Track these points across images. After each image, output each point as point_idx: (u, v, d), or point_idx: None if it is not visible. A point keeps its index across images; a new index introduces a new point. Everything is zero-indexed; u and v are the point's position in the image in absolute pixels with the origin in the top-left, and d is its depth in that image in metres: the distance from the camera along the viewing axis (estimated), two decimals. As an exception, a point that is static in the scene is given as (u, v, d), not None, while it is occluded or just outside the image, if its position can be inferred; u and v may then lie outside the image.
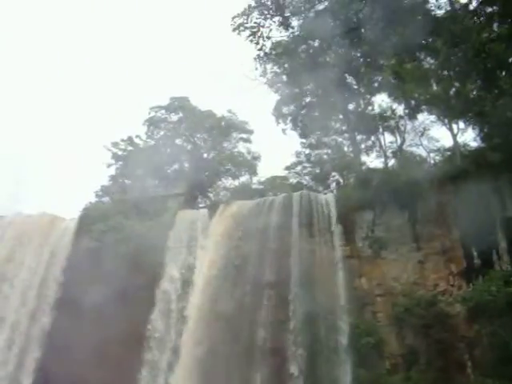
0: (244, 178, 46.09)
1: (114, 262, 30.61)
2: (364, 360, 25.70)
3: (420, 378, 24.54)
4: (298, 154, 44.95)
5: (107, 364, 27.75)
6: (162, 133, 46.52)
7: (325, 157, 44.14)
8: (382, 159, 39.34)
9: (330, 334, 26.62)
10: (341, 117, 40.68)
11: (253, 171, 45.90)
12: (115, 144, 45.57)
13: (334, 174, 42.27)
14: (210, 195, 44.57)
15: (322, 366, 26.01)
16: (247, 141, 46.86)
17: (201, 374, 27.01)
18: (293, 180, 44.51)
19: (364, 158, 40.08)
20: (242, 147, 46.88)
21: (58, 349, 28.99)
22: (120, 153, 45.55)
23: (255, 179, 46.01)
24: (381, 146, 39.46)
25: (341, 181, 41.46)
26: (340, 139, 43.23)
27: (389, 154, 39.20)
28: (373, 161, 40.17)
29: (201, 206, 40.60)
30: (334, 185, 41.90)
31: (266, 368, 26.29)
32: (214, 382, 26.54)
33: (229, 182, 46.05)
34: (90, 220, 34.32)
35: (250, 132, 46.75)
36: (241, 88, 41.50)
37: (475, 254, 26.19)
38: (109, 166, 45.51)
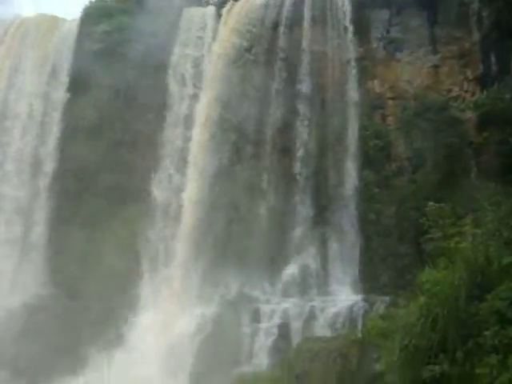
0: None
1: (120, 64, 30.07)
2: (371, 162, 26.27)
3: (425, 179, 25.11)
4: None
5: (120, 167, 28.94)
6: None
7: None
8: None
9: (339, 137, 26.86)
10: None
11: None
12: None
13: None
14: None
15: (329, 168, 26.73)
16: None
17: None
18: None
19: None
20: None
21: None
22: None
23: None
24: None
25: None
26: None
27: None
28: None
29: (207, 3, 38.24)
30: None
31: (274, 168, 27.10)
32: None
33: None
34: (93, 21, 32.67)
35: None
36: None
37: (493, 59, 24.90)
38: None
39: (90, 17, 33.24)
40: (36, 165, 30.41)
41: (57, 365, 23.07)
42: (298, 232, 26.09)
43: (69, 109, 30.69)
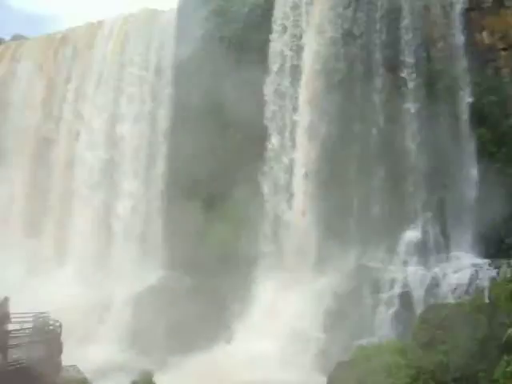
0: None
1: (219, 45, 30.66)
2: (486, 119, 24.87)
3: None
4: None
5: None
6: None
7: None
8: None
9: (450, 96, 25.67)
10: None
11: None
12: None
13: None
14: None
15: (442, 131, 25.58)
16: None
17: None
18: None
19: None
20: None
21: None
22: None
23: None
24: None
25: None
26: None
27: None
28: None
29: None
30: None
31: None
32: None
33: None
34: (190, 8, 33.42)
35: None
36: None
37: None
38: None
39: (186, 5, 34.07)
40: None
41: (189, 341, 23.97)
42: (414, 197, 25.33)
43: (175, 97, 31.92)
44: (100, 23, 36.09)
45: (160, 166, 31.75)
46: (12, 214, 34.11)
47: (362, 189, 25.84)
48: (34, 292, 23.60)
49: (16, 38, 48.21)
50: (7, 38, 53.93)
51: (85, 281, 28.65)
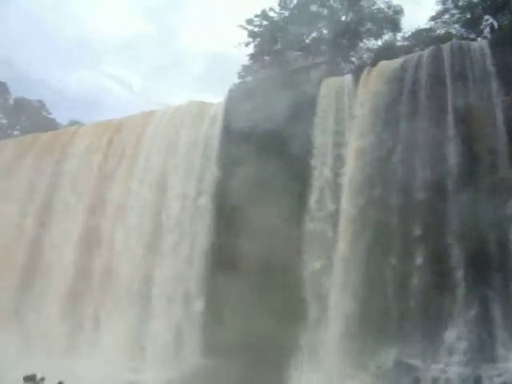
0: (387, 37, 43.52)
1: (263, 139, 31.72)
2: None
3: None
4: (444, 1, 40.83)
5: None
6: (295, 1, 44.83)
7: (475, -1, 39.65)
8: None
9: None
10: None
11: (395, 27, 42.97)
12: (249, 21, 45.12)
13: (486, 17, 37.97)
14: (353, 59, 43.04)
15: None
16: (386, -5, 43.51)
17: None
18: (440, 31, 40.78)
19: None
20: (381, 3, 43.77)
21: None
22: (256, 29, 45.12)
23: (399, 36, 43.18)
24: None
25: (495, 24, 37.27)
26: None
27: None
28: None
29: (345, 72, 39.31)
30: (487, 30, 37.81)
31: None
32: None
33: (371, 43, 43.92)
34: (236, 102, 34.98)
35: (389, -15, 43.18)
36: None
37: None
38: (247, 44, 45.48)
39: (234, 98, 35.66)
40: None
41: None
42: (457, 293, 24.41)
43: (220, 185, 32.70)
44: (152, 113, 38.04)
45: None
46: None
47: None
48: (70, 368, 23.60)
49: (72, 123, 51.39)
50: (64, 123, 57.58)
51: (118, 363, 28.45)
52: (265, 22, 45.15)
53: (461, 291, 24.29)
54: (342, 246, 27.29)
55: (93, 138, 39.37)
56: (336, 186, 29.15)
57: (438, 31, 40.75)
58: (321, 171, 30.00)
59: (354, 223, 27.25)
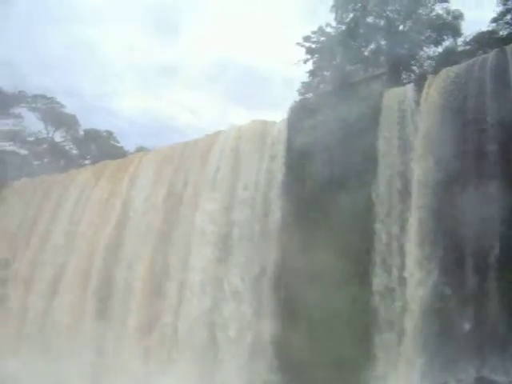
0: (447, 43, 42.61)
1: (325, 155, 31.85)
2: None
3: None
4: (504, 1, 39.64)
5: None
6: (351, 15, 44.79)
7: (541, -4, 38.30)
8: None
9: None
10: None
11: (456, 32, 41.98)
12: (307, 38, 45.50)
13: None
14: (414, 68, 42.43)
15: None
16: (444, 0, 42.71)
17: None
18: (503, 32, 39.61)
19: None
20: (439, 9, 42.92)
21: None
22: (314, 46, 45.42)
23: (460, 41, 42.15)
24: None
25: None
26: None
27: None
28: None
29: (406, 82, 38.82)
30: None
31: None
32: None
33: (431, 50, 43.04)
34: (298, 118, 35.15)
35: (446, -11, 42.40)
36: None
37: None
38: (305, 61, 45.89)
39: (295, 115, 35.88)
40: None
41: None
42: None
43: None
44: (216, 134, 38.70)
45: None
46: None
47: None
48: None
49: (139, 149, 53.32)
50: (131, 149, 59.82)
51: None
52: (322, 38, 45.29)
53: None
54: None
55: (158, 163, 40.99)
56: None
57: (501, 33, 39.64)
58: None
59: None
